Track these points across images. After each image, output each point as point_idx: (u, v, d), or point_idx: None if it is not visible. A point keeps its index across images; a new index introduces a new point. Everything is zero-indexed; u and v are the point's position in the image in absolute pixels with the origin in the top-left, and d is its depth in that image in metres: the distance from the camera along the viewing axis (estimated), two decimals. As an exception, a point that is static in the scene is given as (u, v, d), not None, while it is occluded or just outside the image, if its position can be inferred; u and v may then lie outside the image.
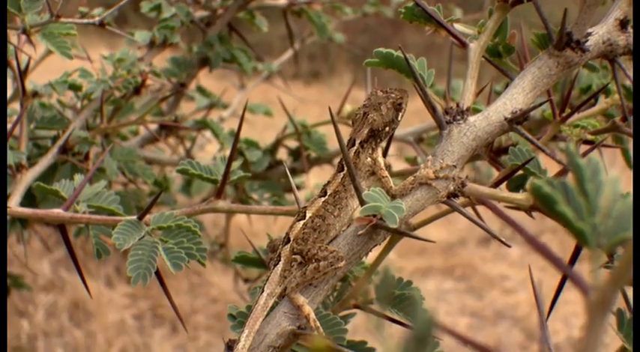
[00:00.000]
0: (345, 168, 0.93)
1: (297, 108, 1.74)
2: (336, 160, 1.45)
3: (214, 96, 1.87)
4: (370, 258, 0.98)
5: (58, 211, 1.08)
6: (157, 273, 1.04)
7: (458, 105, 0.92)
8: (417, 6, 0.98)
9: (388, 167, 0.95)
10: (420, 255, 4.13)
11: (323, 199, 0.93)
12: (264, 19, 1.66)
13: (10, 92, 1.40)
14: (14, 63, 1.28)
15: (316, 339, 0.35)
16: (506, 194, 0.95)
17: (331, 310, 0.98)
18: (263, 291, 0.92)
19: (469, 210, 1.00)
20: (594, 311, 0.51)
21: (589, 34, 0.94)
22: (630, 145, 1.23)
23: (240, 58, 1.62)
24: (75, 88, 1.38)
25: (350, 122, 0.98)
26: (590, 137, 1.04)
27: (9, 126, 1.23)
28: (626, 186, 0.60)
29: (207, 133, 1.93)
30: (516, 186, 1.09)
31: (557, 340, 3.29)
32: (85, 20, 1.20)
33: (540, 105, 0.90)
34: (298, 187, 1.70)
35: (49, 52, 1.42)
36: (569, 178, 0.56)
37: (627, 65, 1.01)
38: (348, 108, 1.53)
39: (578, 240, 0.54)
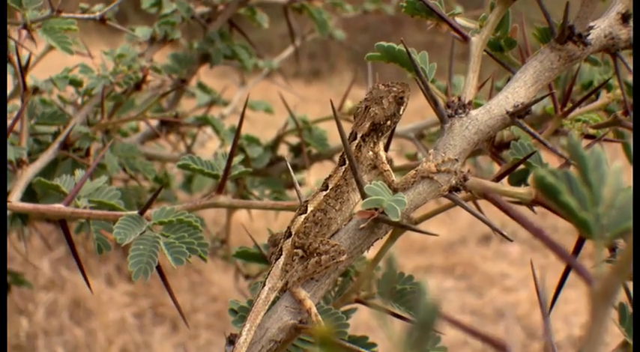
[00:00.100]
0: (347, 162, 0.93)
1: (297, 107, 1.73)
2: (337, 156, 1.45)
3: (215, 93, 1.87)
4: (372, 253, 0.98)
5: (59, 206, 1.08)
6: (159, 270, 1.04)
7: (459, 98, 0.92)
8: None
9: (390, 161, 0.95)
10: (420, 254, 4.13)
11: (324, 193, 0.93)
12: (265, 15, 1.66)
13: (10, 88, 1.40)
14: (15, 59, 1.27)
15: (320, 327, 0.35)
16: (508, 188, 0.94)
17: (333, 304, 0.98)
18: (264, 285, 0.91)
19: (470, 205, 1.00)
20: (598, 302, 0.51)
21: (591, 28, 0.94)
22: (631, 140, 1.23)
23: (241, 55, 1.62)
24: (76, 83, 1.38)
25: (351, 118, 0.98)
26: (592, 131, 1.04)
27: (9, 121, 1.23)
28: (627, 181, 0.60)
29: (208, 130, 1.93)
30: (518, 180, 1.08)
31: (558, 339, 3.30)
32: (86, 15, 1.20)
33: (542, 98, 0.89)
34: (299, 183, 1.70)
35: (49, 48, 1.42)
36: (572, 169, 0.56)
37: (629, 60, 1.01)
38: (349, 104, 1.53)
39: (581, 229, 0.54)
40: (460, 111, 0.91)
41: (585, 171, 0.55)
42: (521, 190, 0.94)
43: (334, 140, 1.69)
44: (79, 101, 1.42)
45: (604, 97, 1.13)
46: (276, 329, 0.90)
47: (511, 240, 0.93)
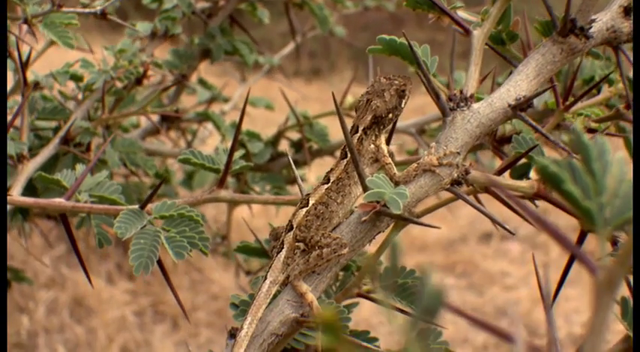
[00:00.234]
0: (349, 155, 0.93)
1: (297, 105, 1.73)
2: (338, 152, 1.46)
3: (215, 89, 1.86)
4: (374, 247, 0.97)
5: (59, 200, 1.08)
6: (161, 266, 1.04)
7: (461, 92, 0.92)
8: (420, -7, 0.98)
9: (391, 154, 0.94)
10: (420, 252, 4.12)
11: (326, 186, 0.93)
12: (265, 11, 1.66)
13: (11, 84, 1.40)
14: (15, 54, 1.27)
15: (324, 311, 0.35)
16: (510, 181, 0.94)
17: (334, 299, 0.98)
18: (266, 279, 0.91)
19: (471, 199, 0.99)
20: (601, 292, 0.50)
21: (593, 21, 0.94)
22: (632, 134, 1.23)
23: (241, 50, 1.62)
24: (76, 78, 1.37)
25: (352, 113, 0.98)
26: (594, 125, 1.04)
27: (10, 117, 1.23)
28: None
29: (209, 126, 1.93)
30: (520, 175, 1.08)
31: (559, 336, 3.29)
32: (87, 10, 1.20)
33: (544, 91, 0.89)
34: (300, 179, 1.70)
35: (50, 44, 1.41)
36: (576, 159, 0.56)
37: (631, 53, 1.01)
38: (349, 99, 1.52)
39: (585, 218, 0.54)
40: (462, 104, 0.91)
41: (589, 160, 0.55)
42: (523, 184, 0.94)
43: (335, 136, 1.69)
44: (80, 96, 1.42)
45: (606, 91, 1.13)
46: (277, 323, 0.90)
47: (513, 234, 0.93)
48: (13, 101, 1.44)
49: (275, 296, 0.92)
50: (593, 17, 0.94)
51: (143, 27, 1.49)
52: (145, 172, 1.53)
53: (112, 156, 1.38)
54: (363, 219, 0.88)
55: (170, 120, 1.68)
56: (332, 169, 0.95)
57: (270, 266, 0.92)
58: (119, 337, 3.24)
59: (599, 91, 1.19)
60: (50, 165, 1.34)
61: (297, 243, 0.92)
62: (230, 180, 1.64)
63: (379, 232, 0.90)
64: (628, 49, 1.02)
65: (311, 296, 0.89)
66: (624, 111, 1.03)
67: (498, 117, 0.91)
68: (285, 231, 0.94)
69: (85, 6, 1.26)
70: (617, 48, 0.97)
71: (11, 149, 1.21)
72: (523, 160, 1.02)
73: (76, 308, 3.42)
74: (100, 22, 1.30)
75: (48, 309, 3.36)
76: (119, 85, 1.44)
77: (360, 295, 0.99)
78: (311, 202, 0.93)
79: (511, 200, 0.96)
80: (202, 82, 1.85)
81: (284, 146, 1.72)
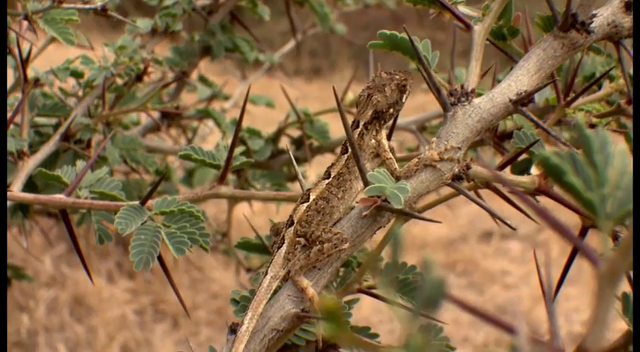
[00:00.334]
0: (349, 150, 0.92)
1: (298, 103, 1.73)
2: (339, 149, 1.45)
3: (216, 86, 1.86)
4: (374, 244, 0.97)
5: (60, 196, 1.07)
6: (162, 263, 1.04)
7: (462, 87, 0.92)
8: (421, -12, 0.98)
9: (392, 149, 0.94)
10: (421, 251, 4.12)
11: (327, 181, 0.93)
12: (266, 8, 1.66)
13: (11, 81, 1.40)
14: (16, 50, 1.27)
15: (326, 298, 0.34)
16: (511, 177, 0.94)
17: (335, 294, 0.98)
18: (266, 274, 0.91)
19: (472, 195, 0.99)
20: (604, 283, 0.50)
21: (594, 16, 0.93)
22: (632, 130, 1.22)
23: (242, 47, 1.61)
24: (77, 74, 1.37)
25: (353, 110, 0.98)
26: (595, 120, 1.04)
27: (10, 113, 1.22)
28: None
29: (209, 123, 1.93)
30: (520, 171, 1.08)
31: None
32: (87, 6, 1.20)
33: (545, 86, 0.89)
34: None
35: (50, 41, 1.41)
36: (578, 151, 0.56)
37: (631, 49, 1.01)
38: (350, 96, 1.52)
39: (587, 210, 0.54)
40: (463, 99, 0.90)
41: (590, 152, 0.55)
42: (524, 179, 0.94)
43: (335, 133, 1.69)
44: (80, 93, 1.42)
45: (607, 87, 1.13)
46: (278, 318, 0.89)
47: (514, 229, 0.93)
48: (14, 98, 1.44)
49: (276, 291, 0.92)
50: (594, 12, 0.94)
51: (144, 24, 1.49)
52: (146, 169, 1.53)
53: (112, 152, 1.38)
54: (364, 213, 0.88)
55: (170, 117, 1.67)
56: (333, 164, 0.95)
57: (271, 262, 0.92)
58: (119, 336, 3.24)
59: (600, 88, 1.19)
60: (50, 161, 1.33)
61: (297, 238, 0.92)
62: (231, 177, 1.64)
63: (380, 227, 0.90)
64: (629, 44, 1.02)
65: (312, 292, 0.89)
66: (625, 107, 1.03)
67: (499, 112, 0.91)
68: (286, 226, 0.94)
69: (85, 2, 1.25)
70: (618, 43, 0.97)
71: (11, 145, 1.21)
72: (524, 156, 1.02)
73: (76, 306, 3.42)
74: (100, 20, 1.30)
75: (48, 308, 3.36)
76: (119, 81, 1.44)
77: (360, 291, 0.99)
78: (312, 197, 0.93)
79: (513, 193, 0.96)
80: (203, 80, 1.85)
81: (284, 143, 1.72)
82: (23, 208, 1.45)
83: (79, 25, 1.28)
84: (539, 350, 0.46)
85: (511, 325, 0.53)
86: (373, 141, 0.93)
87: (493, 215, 0.94)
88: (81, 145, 1.35)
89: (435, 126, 1.63)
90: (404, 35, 0.94)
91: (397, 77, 0.94)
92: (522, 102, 0.90)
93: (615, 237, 0.97)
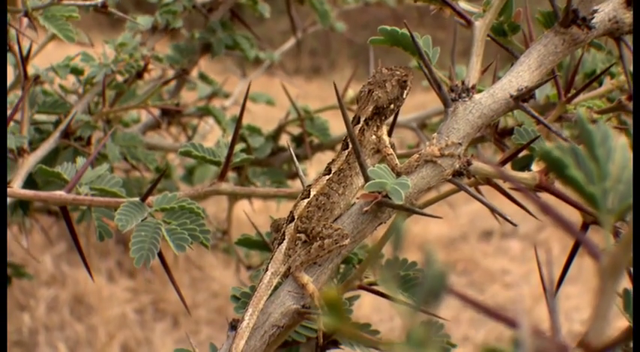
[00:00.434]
0: (350, 146, 0.92)
1: (298, 102, 1.73)
2: (339, 146, 1.45)
3: (216, 84, 1.86)
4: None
5: (60, 193, 1.07)
6: (162, 261, 1.04)
7: (463, 82, 0.92)
8: (422, -16, 0.97)
9: (393, 145, 0.94)
10: (421, 249, 4.12)
11: (327, 177, 0.93)
12: (266, 5, 1.65)
13: (11, 79, 1.40)
14: (16, 48, 1.27)
15: (327, 291, 0.34)
16: (512, 173, 0.94)
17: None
18: (267, 270, 0.91)
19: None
20: (606, 276, 0.50)
21: (595, 12, 0.93)
22: (632, 126, 1.22)
23: (242, 44, 1.61)
24: (77, 71, 1.37)
25: (353, 107, 0.98)
26: (596, 117, 1.04)
27: (10, 111, 1.22)
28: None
29: (210, 121, 1.93)
30: (521, 167, 1.08)
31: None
32: (88, 2, 1.20)
33: (546, 81, 0.89)
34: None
35: (51, 38, 1.41)
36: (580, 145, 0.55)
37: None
38: (350, 93, 1.52)
39: (589, 204, 0.54)
40: (464, 95, 0.90)
41: (592, 146, 0.55)
42: (525, 175, 0.93)
43: (336, 130, 1.69)
44: (80, 90, 1.42)
45: (608, 84, 1.13)
46: (278, 314, 0.89)
47: (515, 225, 0.92)
48: (14, 95, 1.44)
49: (276, 287, 0.92)
50: (595, 8, 0.94)
51: (144, 21, 1.49)
52: (146, 167, 1.53)
53: (112, 149, 1.38)
54: (365, 209, 0.88)
55: (171, 115, 1.67)
56: (333, 160, 0.95)
57: (272, 258, 0.92)
58: (120, 334, 3.23)
59: (600, 84, 1.19)
60: (51, 158, 1.33)
61: (298, 234, 0.92)
62: (231, 175, 1.64)
63: (381, 223, 0.90)
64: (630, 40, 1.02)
65: (312, 288, 0.88)
66: (626, 103, 1.03)
67: (500, 108, 0.91)
68: (287, 222, 0.94)
69: (85, -1, 1.25)
70: (619, 39, 0.97)
71: (11, 143, 1.21)
72: (525, 152, 1.02)
73: (76, 305, 3.42)
74: (100, 20, 1.30)
75: (48, 307, 3.36)
76: (120, 78, 1.43)
77: (361, 287, 0.99)
78: (312, 193, 0.93)
79: (514, 189, 0.95)
80: (203, 77, 1.85)
81: (285, 141, 1.72)
82: (23, 206, 1.45)
83: (78, 25, 1.28)
84: (542, 344, 0.46)
85: (513, 319, 0.53)
86: (374, 136, 0.93)
87: (494, 211, 0.94)
88: (81, 142, 1.35)
89: (436, 123, 1.62)
90: (405, 31, 0.94)
91: (398, 73, 0.93)
92: (523, 97, 0.90)
93: (616, 234, 0.97)
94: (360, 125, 0.93)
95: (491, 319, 0.53)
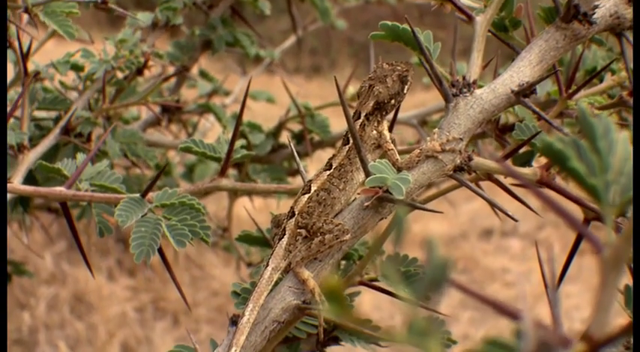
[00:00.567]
0: (351, 141, 0.92)
1: (298, 100, 1.73)
2: (340, 142, 1.45)
3: (216, 81, 1.86)
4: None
5: (60, 189, 1.07)
6: (163, 258, 1.04)
7: (464, 78, 0.91)
8: (423, -21, 0.97)
9: (393, 141, 0.94)
10: (421, 248, 4.12)
11: (328, 172, 0.93)
12: (267, 2, 1.65)
13: (11, 76, 1.39)
14: (16, 44, 1.26)
15: (329, 278, 0.34)
16: (513, 169, 0.94)
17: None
18: (267, 266, 0.91)
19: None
20: (607, 269, 0.50)
21: (596, 7, 0.93)
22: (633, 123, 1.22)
23: (243, 41, 1.61)
24: (77, 68, 1.37)
25: (353, 104, 0.98)
26: (597, 112, 1.04)
27: (10, 107, 1.22)
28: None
29: (210, 118, 1.92)
30: (522, 163, 1.08)
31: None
32: (87, -1, 1.20)
33: (547, 77, 0.89)
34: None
35: (51, 35, 1.41)
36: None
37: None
38: (351, 89, 1.52)
39: (591, 196, 0.54)
40: (465, 90, 0.90)
41: (594, 138, 0.55)
42: (526, 170, 0.93)
43: (336, 127, 1.69)
44: (81, 86, 1.42)
45: (608, 80, 1.13)
46: (279, 310, 0.89)
47: (516, 220, 0.92)
48: (14, 92, 1.43)
49: (277, 283, 0.92)
50: (596, 3, 0.94)
51: (144, 17, 1.49)
52: (146, 164, 1.53)
53: (112, 146, 1.38)
54: (366, 204, 0.88)
55: (171, 112, 1.67)
56: (334, 155, 0.94)
57: (272, 254, 0.92)
58: (120, 333, 3.24)
59: (601, 81, 1.19)
60: (51, 155, 1.33)
61: (299, 230, 0.91)
62: (231, 172, 1.64)
63: (382, 218, 0.90)
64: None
65: (313, 283, 0.88)
66: (627, 98, 1.02)
67: (501, 103, 0.90)
68: (287, 217, 0.94)
69: (85, -4, 1.25)
70: (620, 35, 0.97)
71: (12, 139, 1.21)
72: (526, 148, 1.01)
73: (76, 304, 3.42)
74: (99, 17, 1.30)
75: (48, 305, 3.36)
76: (120, 75, 1.43)
77: (362, 283, 0.99)
78: (313, 188, 0.92)
79: (516, 184, 0.95)
80: (203, 74, 1.85)
81: (285, 138, 1.72)
82: (24, 203, 1.45)
83: (78, 23, 1.28)
84: (543, 335, 0.46)
85: (515, 312, 0.52)
86: (375, 132, 0.93)
87: (494, 206, 0.94)
88: (81, 139, 1.34)
89: (436, 120, 1.62)
90: (406, 26, 0.94)
91: (399, 68, 0.93)
92: (524, 93, 0.90)
93: (617, 229, 0.97)
94: (360, 120, 0.93)
95: (493, 311, 0.52)
